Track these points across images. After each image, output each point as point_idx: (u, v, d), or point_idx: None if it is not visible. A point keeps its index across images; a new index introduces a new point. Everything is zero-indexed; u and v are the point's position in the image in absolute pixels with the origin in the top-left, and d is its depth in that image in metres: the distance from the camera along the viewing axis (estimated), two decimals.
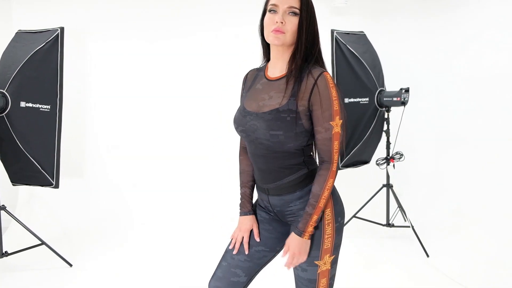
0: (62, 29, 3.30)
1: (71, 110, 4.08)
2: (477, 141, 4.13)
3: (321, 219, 1.55)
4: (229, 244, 1.70)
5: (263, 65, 1.68)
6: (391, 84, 3.97)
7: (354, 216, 3.89)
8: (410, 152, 3.92)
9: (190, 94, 4.47)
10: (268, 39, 1.51)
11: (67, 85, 3.49)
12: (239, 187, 1.76)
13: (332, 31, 3.57)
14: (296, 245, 1.52)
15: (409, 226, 3.67)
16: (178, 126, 4.50)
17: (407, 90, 3.50)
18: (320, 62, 1.55)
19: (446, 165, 4.44)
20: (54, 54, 3.28)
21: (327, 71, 1.50)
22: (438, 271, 3.20)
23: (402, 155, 3.69)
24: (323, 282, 1.57)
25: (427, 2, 4.51)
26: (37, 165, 3.29)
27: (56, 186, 3.36)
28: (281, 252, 1.62)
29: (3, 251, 3.23)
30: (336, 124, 1.47)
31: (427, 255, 3.47)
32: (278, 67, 1.57)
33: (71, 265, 3.38)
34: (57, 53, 3.28)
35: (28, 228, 3.38)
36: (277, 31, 1.46)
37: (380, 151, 3.92)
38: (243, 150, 1.78)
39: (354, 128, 3.67)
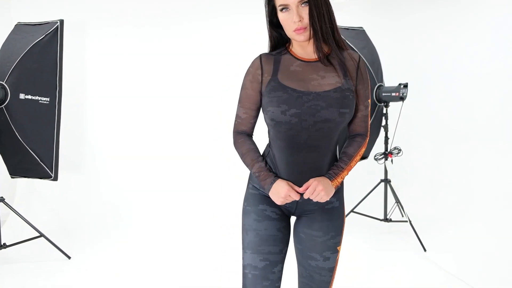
0: (61, 21, 3.30)
1: (70, 103, 4.07)
2: (475, 136, 4.16)
3: (341, 207, 1.62)
4: (257, 269, 1.55)
5: (279, 50, 1.59)
6: (389, 79, 3.99)
7: (352, 211, 3.90)
8: (408, 147, 3.94)
9: (190, 94, 4.47)
10: (292, 37, 1.48)
11: (67, 78, 3.49)
12: (251, 166, 1.57)
13: None
14: (324, 183, 1.46)
15: (406, 221, 3.69)
16: (178, 126, 4.49)
17: (405, 86, 3.52)
18: (341, 41, 1.54)
19: (444, 160, 4.47)
20: (53, 46, 3.28)
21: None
22: (435, 265, 3.22)
23: (400, 150, 3.71)
24: (336, 268, 1.62)
25: None
26: (36, 158, 3.28)
27: (55, 179, 3.35)
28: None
29: (2, 243, 3.23)
30: (370, 102, 1.58)
31: (425, 250, 3.49)
32: (308, 50, 1.53)
33: (69, 258, 3.38)
34: (56, 45, 3.28)
35: (26, 220, 3.37)
36: (298, 29, 1.43)
37: (378, 146, 3.93)
38: (241, 134, 1.64)
39: None
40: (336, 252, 1.59)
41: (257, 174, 1.54)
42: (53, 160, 3.31)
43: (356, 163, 1.57)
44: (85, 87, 4.42)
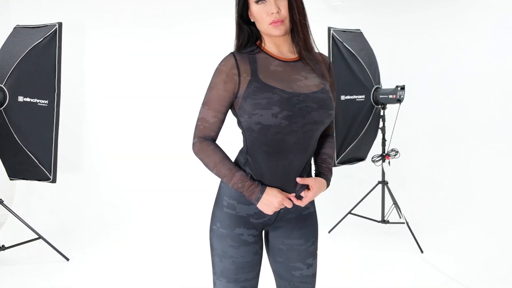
0: (60, 24, 3.32)
1: (70, 103, 4.08)
2: (474, 136, 4.16)
3: (315, 211, 1.58)
4: None
5: (250, 49, 1.47)
6: (387, 81, 3.99)
7: (349, 212, 3.91)
8: (405, 149, 3.94)
9: (190, 94, 4.42)
10: (267, 32, 1.39)
11: (66, 78, 3.50)
12: (229, 177, 1.43)
13: (329, 29, 3.58)
14: (322, 188, 1.46)
15: (404, 223, 3.69)
16: (178, 126, 4.46)
17: (402, 88, 3.52)
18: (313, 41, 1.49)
19: (441, 162, 4.47)
20: (52, 49, 3.30)
21: None
22: (432, 267, 3.22)
23: (397, 152, 3.71)
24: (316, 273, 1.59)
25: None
26: (34, 160, 3.30)
27: (54, 181, 3.37)
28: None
29: (1, 245, 3.25)
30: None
31: (422, 251, 3.49)
32: (283, 49, 1.45)
33: (68, 259, 3.40)
34: (55, 48, 3.30)
35: (25, 222, 3.39)
36: (276, 22, 1.35)
37: (375, 148, 3.94)
38: (208, 141, 1.49)
39: (350, 125, 3.69)
40: (316, 256, 1.56)
41: (240, 185, 1.40)
42: (51, 162, 3.33)
43: None
44: (85, 87, 4.44)
